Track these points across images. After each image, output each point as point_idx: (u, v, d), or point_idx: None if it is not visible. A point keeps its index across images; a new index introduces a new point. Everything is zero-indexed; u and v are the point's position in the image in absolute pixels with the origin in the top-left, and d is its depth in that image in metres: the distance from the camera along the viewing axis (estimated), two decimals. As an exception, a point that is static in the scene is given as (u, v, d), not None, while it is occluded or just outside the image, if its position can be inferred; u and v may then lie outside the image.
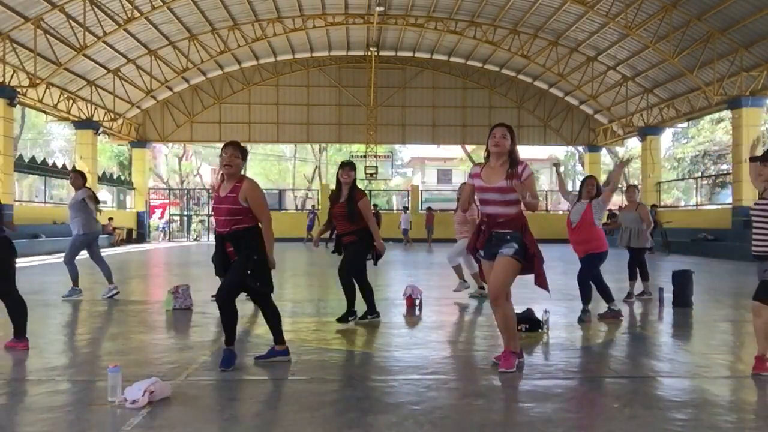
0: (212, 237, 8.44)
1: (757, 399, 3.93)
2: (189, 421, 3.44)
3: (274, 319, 4.56)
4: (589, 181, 6.73)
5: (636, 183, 37.17)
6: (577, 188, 6.86)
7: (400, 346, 5.45)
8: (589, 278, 6.61)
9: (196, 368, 4.46)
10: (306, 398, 3.82)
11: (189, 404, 3.67)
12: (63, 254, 8.37)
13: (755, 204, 4.47)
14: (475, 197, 4.57)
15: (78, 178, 8.31)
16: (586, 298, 6.60)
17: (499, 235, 4.32)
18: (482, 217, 4.46)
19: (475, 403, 3.77)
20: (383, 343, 5.64)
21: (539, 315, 6.07)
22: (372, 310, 6.48)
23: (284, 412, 3.52)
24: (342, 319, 6.31)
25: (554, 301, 7.31)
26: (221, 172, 4.40)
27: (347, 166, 6.16)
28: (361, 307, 6.42)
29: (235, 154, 4.34)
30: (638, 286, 8.50)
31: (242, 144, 4.53)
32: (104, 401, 3.59)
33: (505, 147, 4.33)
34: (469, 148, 39.59)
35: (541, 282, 4.42)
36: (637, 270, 8.48)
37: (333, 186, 6.53)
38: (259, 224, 4.39)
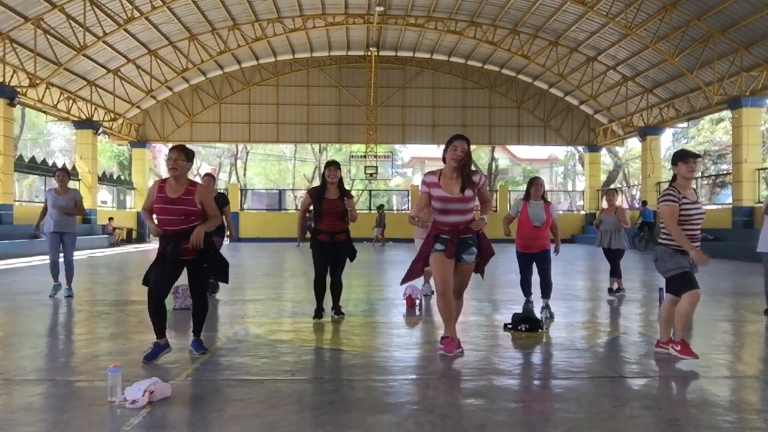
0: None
1: (758, 399, 3.92)
2: (189, 421, 3.44)
3: (203, 314, 4.87)
4: (538, 181, 7.06)
5: (636, 183, 37.21)
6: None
7: (400, 346, 5.45)
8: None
9: (196, 368, 4.46)
10: (306, 398, 3.82)
11: (189, 404, 3.67)
12: (71, 253, 8.34)
13: (684, 201, 4.66)
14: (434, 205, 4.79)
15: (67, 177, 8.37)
16: (550, 291, 7.00)
17: (461, 240, 4.70)
18: (441, 226, 4.71)
19: (475, 403, 3.77)
20: (383, 343, 5.64)
21: (539, 315, 6.07)
22: (340, 309, 6.69)
23: (284, 412, 3.51)
24: (319, 315, 6.54)
25: (554, 301, 7.31)
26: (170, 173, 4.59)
27: (333, 165, 6.41)
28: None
29: (179, 157, 4.57)
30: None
31: (188, 147, 4.79)
32: (104, 401, 3.59)
33: (463, 161, 4.65)
34: (469, 148, 39.51)
35: (481, 270, 5.04)
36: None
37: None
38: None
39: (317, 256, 6.40)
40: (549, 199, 7.16)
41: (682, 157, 4.71)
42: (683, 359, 4.64)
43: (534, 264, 6.94)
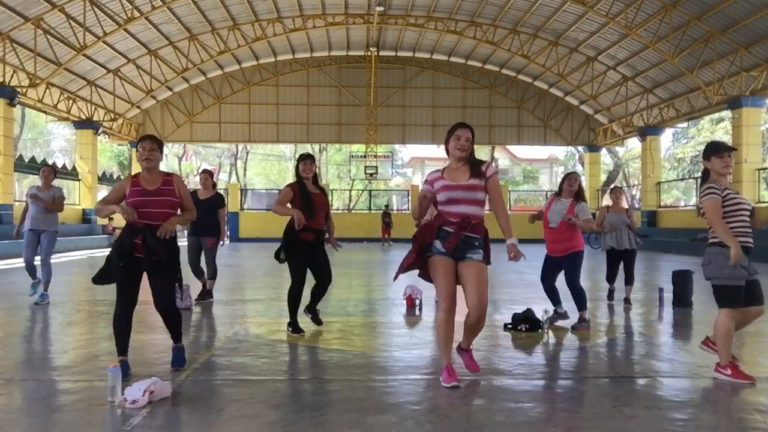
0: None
1: (758, 399, 3.92)
2: (189, 421, 3.44)
3: (178, 323, 4.51)
4: (573, 176, 6.40)
5: (636, 183, 37.20)
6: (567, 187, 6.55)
7: (400, 346, 5.45)
8: (579, 281, 6.24)
9: (196, 368, 4.46)
10: (306, 398, 3.82)
11: (189, 404, 3.67)
12: (48, 254, 7.74)
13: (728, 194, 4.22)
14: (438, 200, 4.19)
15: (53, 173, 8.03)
16: (583, 301, 6.21)
17: (467, 239, 4.07)
18: (448, 216, 4.09)
19: (475, 403, 3.76)
20: (383, 343, 5.64)
21: (539, 315, 6.06)
22: (317, 314, 6.10)
23: (284, 412, 3.51)
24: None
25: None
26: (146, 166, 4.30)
27: (309, 158, 5.79)
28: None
29: (153, 147, 4.32)
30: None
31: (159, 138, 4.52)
32: (104, 401, 3.59)
33: (469, 150, 4.20)
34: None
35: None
36: (620, 273, 7.96)
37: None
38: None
39: (298, 259, 5.67)
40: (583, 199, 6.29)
41: (715, 150, 4.21)
42: (732, 379, 4.20)
43: (563, 270, 6.27)
